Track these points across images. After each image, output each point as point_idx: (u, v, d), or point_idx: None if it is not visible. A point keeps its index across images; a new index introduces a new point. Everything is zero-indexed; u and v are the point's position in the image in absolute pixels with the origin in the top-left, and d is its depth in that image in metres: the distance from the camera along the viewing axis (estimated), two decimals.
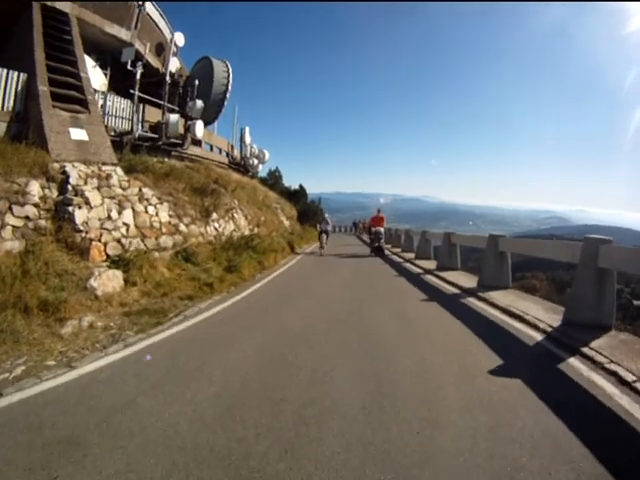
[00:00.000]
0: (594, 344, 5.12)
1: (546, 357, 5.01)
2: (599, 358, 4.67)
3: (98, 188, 9.47)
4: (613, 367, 4.37)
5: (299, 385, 4.03)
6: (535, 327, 6.26)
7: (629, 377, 4.10)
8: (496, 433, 3.14)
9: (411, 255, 18.61)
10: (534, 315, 6.78)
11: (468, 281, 10.63)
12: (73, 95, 11.15)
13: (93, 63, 15.23)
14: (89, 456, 2.82)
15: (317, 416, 3.39)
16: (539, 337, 5.84)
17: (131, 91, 15.09)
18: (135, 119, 15.11)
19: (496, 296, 8.46)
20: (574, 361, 4.76)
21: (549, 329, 6.01)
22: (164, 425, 3.21)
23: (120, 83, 16.26)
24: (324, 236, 20.09)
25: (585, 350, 4.96)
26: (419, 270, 13.98)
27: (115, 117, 14.76)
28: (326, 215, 24.02)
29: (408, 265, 15.77)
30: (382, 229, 20.44)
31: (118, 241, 9.03)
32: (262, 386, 3.99)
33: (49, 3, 12.40)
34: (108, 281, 7.50)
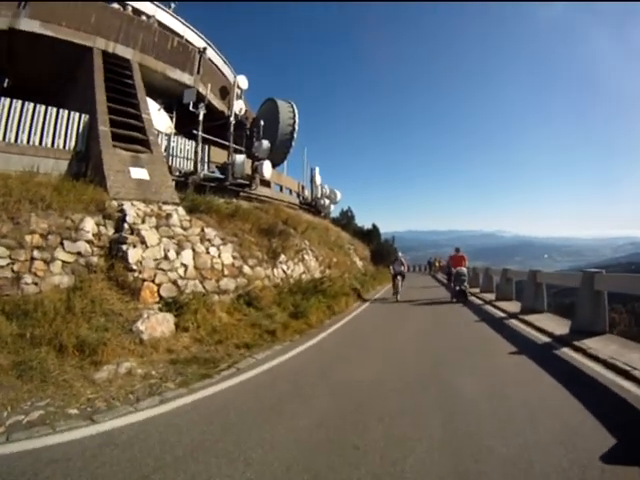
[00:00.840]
0: None
1: None
2: None
3: (156, 227, 9.31)
4: None
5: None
6: None
7: None
8: None
9: (491, 296, 17.05)
10: None
11: (557, 326, 9.23)
12: (134, 136, 11.39)
13: (158, 107, 15.83)
14: None
15: None
16: None
17: (194, 131, 15.23)
18: (199, 159, 15.17)
19: (594, 345, 7.09)
20: None
21: None
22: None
23: (186, 127, 16.60)
24: (399, 279, 17.41)
25: None
26: (502, 314, 12.48)
27: (180, 158, 15.00)
28: (400, 254, 19.77)
29: (489, 308, 14.42)
30: (464, 269, 16.84)
31: (174, 282, 8.67)
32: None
33: (110, 50, 13.08)
34: (157, 325, 7.05)
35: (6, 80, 14.87)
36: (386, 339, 8.92)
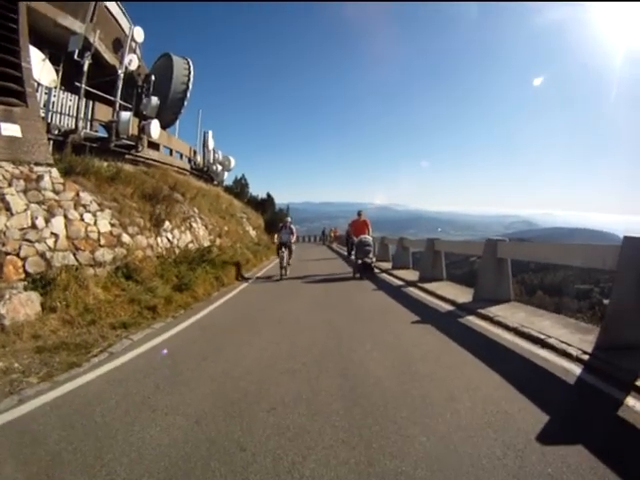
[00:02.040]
0: None
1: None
2: None
3: (24, 191, 8.31)
4: None
5: None
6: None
7: None
8: None
9: (387, 265, 17.35)
10: (556, 337, 5.64)
11: (460, 294, 9.50)
12: (10, 87, 9.90)
13: (43, 56, 14.06)
14: None
15: None
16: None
17: (76, 84, 13.83)
18: (81, 116, 13.84)
19: (501, 313, 7.30)
20: None
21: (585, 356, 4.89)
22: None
23: (74, 82, 14.93)
24: (285, 252, 14.40)
25: None
26: (399, 282, 12.86)
27: (61, 114, 13.62)
28: (288, 220, 15.82)
29: (385, 276, 14.73)
30: (369, 238, 14.32)
31: (42, 255, 7.81)
32: None
33: None
34: (20, 306, 6.30)
35: None
36: (278, 314, 8.52)
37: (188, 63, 21.74)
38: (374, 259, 14.31)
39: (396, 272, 14.92)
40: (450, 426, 3.41)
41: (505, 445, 3.07)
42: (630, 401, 3.73)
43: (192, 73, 21.67)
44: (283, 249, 14.55)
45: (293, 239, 15.31)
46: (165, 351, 5.94)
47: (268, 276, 15.37)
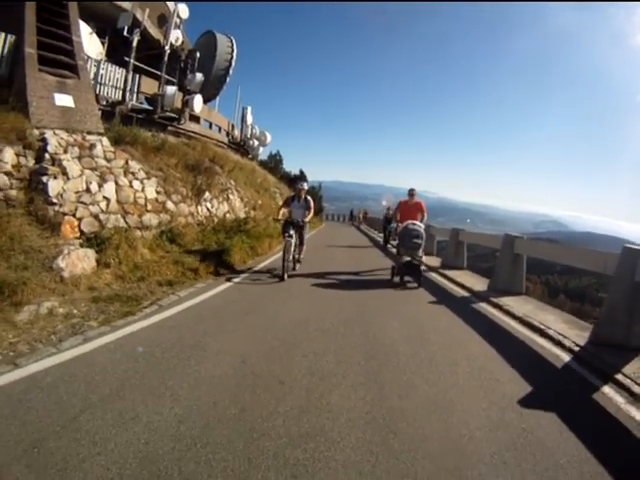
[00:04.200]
0: (628, 370, 4.53)
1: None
2: None
3: (79, 158, 8.77)
4: None
5: (288, 415, 3.26)
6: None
7: None
8: None
9: None
10: (555, 329, 6.10)
11: (477, 283, 9.88)
12: (62, 60, 10.32)
13: (90, 30, 14.51)
14: None
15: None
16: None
17: (125, 59, 14.25)
18: (128, 88, 14.28)
19: (511, 303, 7.70)
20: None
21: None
22: (107, 461, 2.52)
23: (118, 54, 15.44)
24: (293, 238, 9.50)
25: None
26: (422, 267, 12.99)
27: (109, 86, 13.98)
28: (304, 186, 10.48)
29: None
30: (420, 227, 9.71)
31: (95, 217, 8.33)
32: (238, 414, 3.21)
33: None
34: (78, 261, 6.78)
35: None
36: (309, 288, 8.83)
37: (231, 41, 21.89)
38: (422, 256, 9.78)
39: None
40: (448, 383, 4.08)
41: (491, 402, 3.71)
42: (606, 389, 4.22)
43: (235, 51, 21.84)
44: (291, 231, 9.40)
45: (308, 217, 9.86)
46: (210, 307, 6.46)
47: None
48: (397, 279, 9.65)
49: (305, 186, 10.38)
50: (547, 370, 4.80)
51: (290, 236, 9.29)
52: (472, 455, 2.85)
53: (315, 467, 2.59)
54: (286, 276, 8.93)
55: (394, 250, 13.01)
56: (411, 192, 10.75)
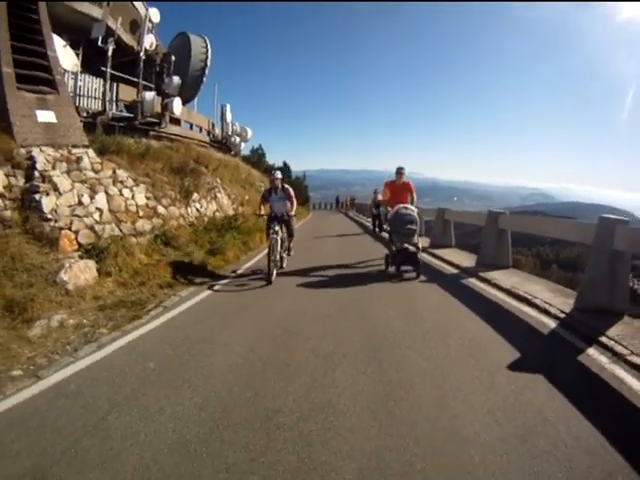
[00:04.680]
0: (612, 333, 4.82)
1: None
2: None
3: (68, 172, 8.88)
4: None
5: (297, 393, 3.57)
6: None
7: None
8: None
9: None
10: (542, 298, 6.40)
11: (464, 259, 10.16)
12: (40, 76, 10.32)
13: (63, 43, 14.38)
14: None
15: None
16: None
17: (102, 68, 14.31)
18: (108, 98, 14.36)
19: (498, 277, 7.99)
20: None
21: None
22: (141, 450, 2.78)
23: (94, 64, 15.38)
24: (278, 235, 8.67)
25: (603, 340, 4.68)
26: None
27: (88, 97, 14.10)
28: (277, 175, 9.38)
29: None
30: (413, 210, 8.79)
31: (91, 228, 8.49)
32: (253, 397, 3.51)
33: None
34: (80, 273, 6.97)
35: None
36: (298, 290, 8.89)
37: (205, 41, 21.93)
38: (420, 244, 8.72)
39: None
40: (441, 354, 4.41)
41: (482, 369, 4.00)
42: (590, 350, 4.48)
43: (210, 51, 21.90)
44: (276, 227, 8.60)
45: (292, 210, 9.21)
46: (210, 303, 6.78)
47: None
48: (392, 269, 8.80)
49: (278, 175, 9.28)
50: (534, 337, 5.08)
51: (275, 232, 8.48)
52: (466, 415, 3.15)
53: (326, 435, 2.90)
54: (274, 276, 8.22)
55: (386, 235, 11.86)
56: (400, 171, 9.63)
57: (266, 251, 8.49)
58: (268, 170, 38.62)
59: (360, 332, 5.14)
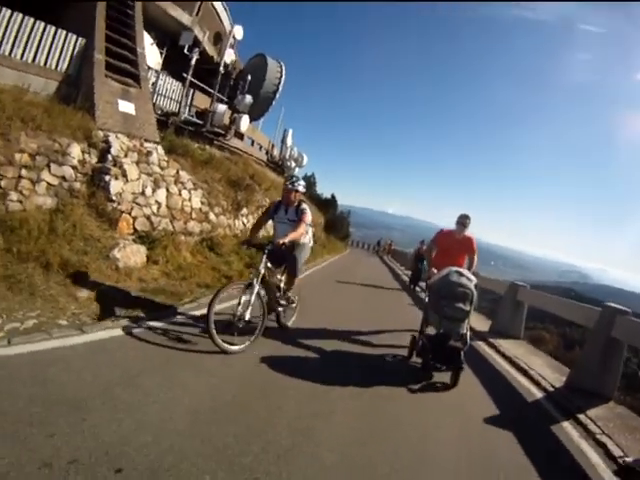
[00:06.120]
0: (591, 413, 5.12)
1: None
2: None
3: (137, 163, 9.47)
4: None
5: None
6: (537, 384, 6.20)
7: None
8: None
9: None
10: (538, 372, 6.69)
11: (479, 324, 10.00)
12: (127, 68, 11.16)
13: (151, 40, 15.51)
14: (88, 421, 2.81)
15: None
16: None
17: (184, 75, 15.22)
18: (184, 102, 15.23)
19: (506, 345, 8.18)
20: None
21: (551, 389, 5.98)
22: (161, 408, 3.17)
23: (174, 65, 16.46)
24: (258, 274, 5.08)
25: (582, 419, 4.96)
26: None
27: (164, 97, 14.93)
28: (297, 184, 5.77)
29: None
30: (472, 280, 5.38)
31: (148, 218, 9.02)
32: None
33: None
34: (131, 255, 7.45)
35: None
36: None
37: (281, 66, 22.77)
38: (469, 332, 5.48)
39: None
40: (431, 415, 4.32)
41: (462, 421, 4.29)
42: (565, 423, 4.78)
43: (283, 76, 22.75)
44: (266, 263, 5.34)
45: (305, 237, 6.00)
46: None
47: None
48: (416, 359, 5.70)
49: (300, 187, 5.85)
50: (518, 401, 5.40)
51: (256, 273, 5.14)
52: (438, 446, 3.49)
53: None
54: (236, 348, 4.75)
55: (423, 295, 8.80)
56: (463, 221, 6.68)
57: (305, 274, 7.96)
58: (314, 199, 38.77)
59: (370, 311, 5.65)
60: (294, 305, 6.42)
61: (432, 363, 5.27)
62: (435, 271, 6.13)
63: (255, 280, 5.02)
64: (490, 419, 4.39)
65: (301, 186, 5.86)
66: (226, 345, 4.61)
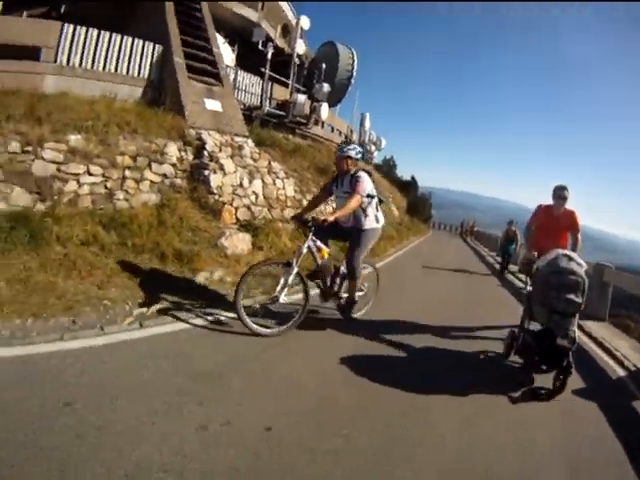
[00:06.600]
0: None
1: None
2: None
3: (231, 157, 9.75)
4: None
5: None
6: None
7: None
8: None
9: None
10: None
11: None
12: (206, 69, 11.55)
13: (223, 40, 16.02)
14: (231, 388, 3.17)
15: None
16: None
17: (262, 69, 15.49)
18: (264, 95, 15.53)
19: (592, 327, 7.87)
20: None
21: None
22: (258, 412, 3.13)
23: (247, 60, 16.86)
24: (317, 251, 5.19)
25: None
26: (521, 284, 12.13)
27: (244, 92, 15.30)
28: (347, 150, 5.02)
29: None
30: (582, 265, 4.17)
31: (248, 208, 9.30)
32: None
33: None
34: (237, 242, 7.75)
35: (63, 6, 14.69)
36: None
37: (352, 52, 22.62)
38: (576, 331, 4.10)
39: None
40: None
41: None
42: None
43: (356, 62, 22.59)
44: (317, 242, 5.23)
45: (367, 217, 5.21)
46: None
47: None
48: (515, 356, 4.79)
49: (352, 152, 5.05)
50: (602, 377, 5.34)
51: (298, 252, 4.96)
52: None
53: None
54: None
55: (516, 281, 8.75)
56: (561, 193, 5.65)
57: (392, 257, 7.98)
58: (395, 181, 38.15)
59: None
60: (361, 294, 5.57)
61: (536, 366, 4.39)
62: (535, 254, 5.39)
63: (295, 260, 4.68)
64: (577, 391, 4.38)
65: (353, 151, 5.05)
66: (255, 326, 4.36)
